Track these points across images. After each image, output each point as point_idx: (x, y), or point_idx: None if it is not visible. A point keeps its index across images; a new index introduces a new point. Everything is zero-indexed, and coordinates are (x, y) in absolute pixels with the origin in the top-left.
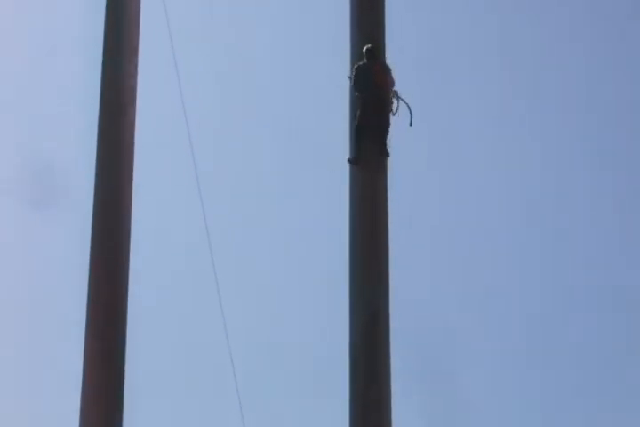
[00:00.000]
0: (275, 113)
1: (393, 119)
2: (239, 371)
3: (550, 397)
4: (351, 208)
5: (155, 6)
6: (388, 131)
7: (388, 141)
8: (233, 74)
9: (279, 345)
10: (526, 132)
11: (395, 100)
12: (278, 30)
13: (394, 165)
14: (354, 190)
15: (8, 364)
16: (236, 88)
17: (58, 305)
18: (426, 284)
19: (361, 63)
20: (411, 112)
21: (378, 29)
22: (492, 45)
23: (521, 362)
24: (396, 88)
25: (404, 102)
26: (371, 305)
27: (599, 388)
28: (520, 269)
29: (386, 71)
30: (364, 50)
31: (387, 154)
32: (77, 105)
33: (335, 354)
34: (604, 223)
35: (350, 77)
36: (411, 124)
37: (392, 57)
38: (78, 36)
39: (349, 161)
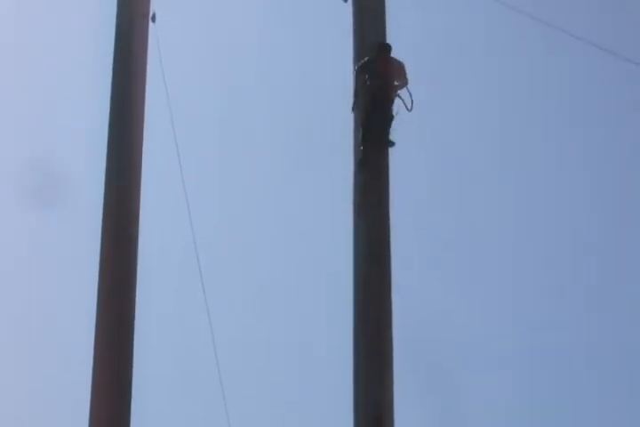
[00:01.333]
0: (276, 116)
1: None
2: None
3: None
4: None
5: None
6: (391, 121)
7: (391, 132)
8: (231, 74)
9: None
10: (529, 133)
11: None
12: (278, 31)
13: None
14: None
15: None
16: (234, 89)
17: (64, 306)
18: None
19: (367, 58)
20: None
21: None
22: (494, 46)
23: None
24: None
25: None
26: (376, 405)
27: (600, 389)
28: (522, 274)
29: (391, 63)
30: (376, 45)
31: (391, 143)
32: (85, 106)
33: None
34: (607, 224)
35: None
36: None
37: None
38: (87, 36)
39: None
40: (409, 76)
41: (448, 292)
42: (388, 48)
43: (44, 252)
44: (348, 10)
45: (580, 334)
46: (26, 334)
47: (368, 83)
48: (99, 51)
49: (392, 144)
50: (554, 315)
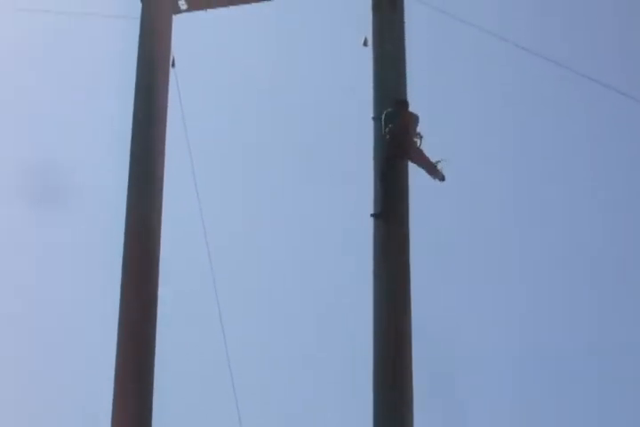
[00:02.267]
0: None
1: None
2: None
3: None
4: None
5: None
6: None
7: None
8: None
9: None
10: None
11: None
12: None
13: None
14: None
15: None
16: (253, 112)
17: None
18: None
19: (390, 110)
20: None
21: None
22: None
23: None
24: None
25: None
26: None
27: (600, 389)
28: (522, 276)
29: (412, 117)
30: (395, 101)
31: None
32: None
33: None
34: (611, 224)
35: (375, 118)
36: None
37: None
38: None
39: (373, 215)
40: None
41: (448, 295)
42: (407, 104)
43: (56, 252)
44: (369, 52)
45: (583, 335)
46: (35, 336)
47: (389, 135)
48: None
49: None
50: (557, 318)
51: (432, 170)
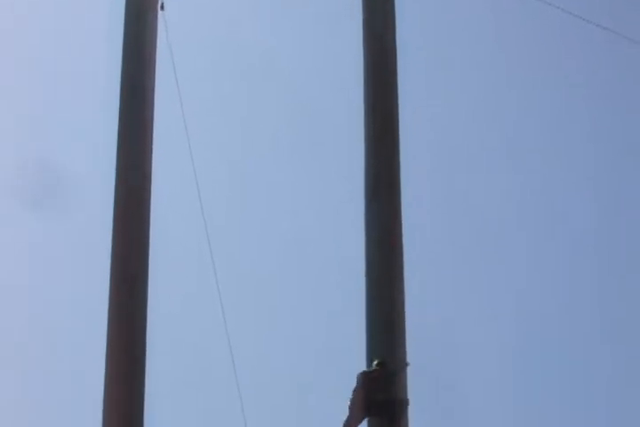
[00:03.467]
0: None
1: None
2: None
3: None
4: None
5: None
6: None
7: None
8: (241, 61)
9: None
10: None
11: None
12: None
13: None
14: None
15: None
16: (245, 76)
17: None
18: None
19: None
20: None
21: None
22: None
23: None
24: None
25: None
26: None
27: (601, 391)
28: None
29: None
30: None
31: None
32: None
33: None
34: (613, 223)
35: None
36: None
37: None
38: (94, 34)
39: None
40: None
41: (447, 295)
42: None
43: (50, 253)
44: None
45: (582, 333)
46: (30, 337)
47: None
48: (107, 46)
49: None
50: (556, 319)
51: None
